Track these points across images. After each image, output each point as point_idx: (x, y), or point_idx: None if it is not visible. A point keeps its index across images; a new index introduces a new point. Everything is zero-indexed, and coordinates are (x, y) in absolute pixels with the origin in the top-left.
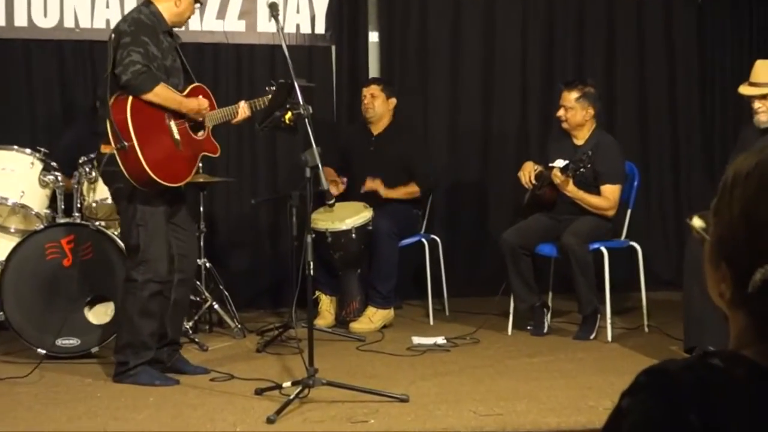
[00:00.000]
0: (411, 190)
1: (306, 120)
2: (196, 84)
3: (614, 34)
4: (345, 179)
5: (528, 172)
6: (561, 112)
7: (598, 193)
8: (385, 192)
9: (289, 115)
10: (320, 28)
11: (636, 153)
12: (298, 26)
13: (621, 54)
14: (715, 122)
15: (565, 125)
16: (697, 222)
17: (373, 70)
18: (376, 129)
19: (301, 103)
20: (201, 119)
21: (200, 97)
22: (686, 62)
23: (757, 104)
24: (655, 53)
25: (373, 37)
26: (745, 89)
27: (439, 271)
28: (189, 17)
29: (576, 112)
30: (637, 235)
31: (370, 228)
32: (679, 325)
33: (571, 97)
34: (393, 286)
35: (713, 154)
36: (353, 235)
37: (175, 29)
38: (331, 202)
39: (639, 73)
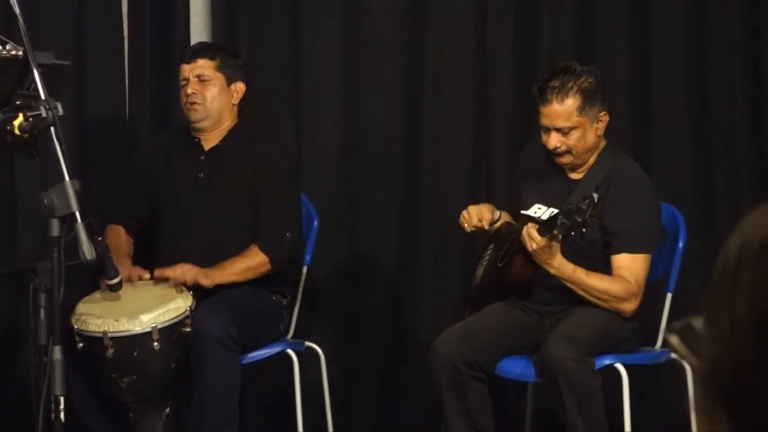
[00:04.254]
0: (252, 262)
1: (53, 129)
2: None
3: None
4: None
5: (477, 213)
6: (555, 141)
7: (605, 266)
8: (207, 277)
9: (19, 119)
10: None
11: (682, 187)
12: None
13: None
14: None
15: (567, 159)
16: (676, 340)
17: (199, 31)
18: (210, 139)
19: (44, 97)
20: None
21: None
22: None
23: None
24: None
25: None
26: None
27: (322, 406)
28: None
29: (584, 131)
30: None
31: (188, 330)
32: None
33: (567, 109)
34: None
35: None
36: (155, 343)
37: None
38: (115, 281)
39: (687, 43)
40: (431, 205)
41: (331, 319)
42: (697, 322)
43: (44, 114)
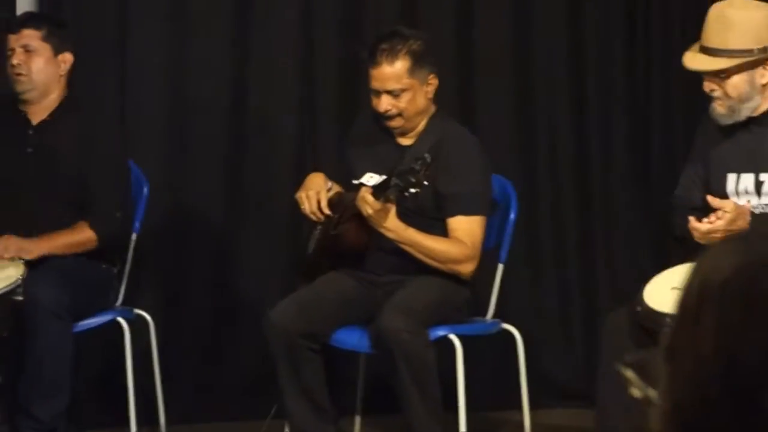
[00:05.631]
0: (79, 238)
1: None
2: None
3: None
4: None
5: (315, 194)
6: (386, 104)
7: (443, 231)
8: (29, 251)
9: None
10: None
11: (510, 161)
12: None
13: None
14: (652, 108)
15: (398, 122)
16: (631, 374)
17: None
18: (39, 113)
19: None
20: None
21: None
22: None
23: (708, 85)
24: None
25: None
26: (692, 60)
27: (152, 376)
28: None
29: (414, 93)
30: (513, 313)
31: (20, 299)
32: None
33: (397, 71)
34: (63, 406)
35: (649, 161)
36: None
37: None
38: None
39: (518, 8)
40: (257, 170)
41: (159, 286)
42: (652, 357)
43: None
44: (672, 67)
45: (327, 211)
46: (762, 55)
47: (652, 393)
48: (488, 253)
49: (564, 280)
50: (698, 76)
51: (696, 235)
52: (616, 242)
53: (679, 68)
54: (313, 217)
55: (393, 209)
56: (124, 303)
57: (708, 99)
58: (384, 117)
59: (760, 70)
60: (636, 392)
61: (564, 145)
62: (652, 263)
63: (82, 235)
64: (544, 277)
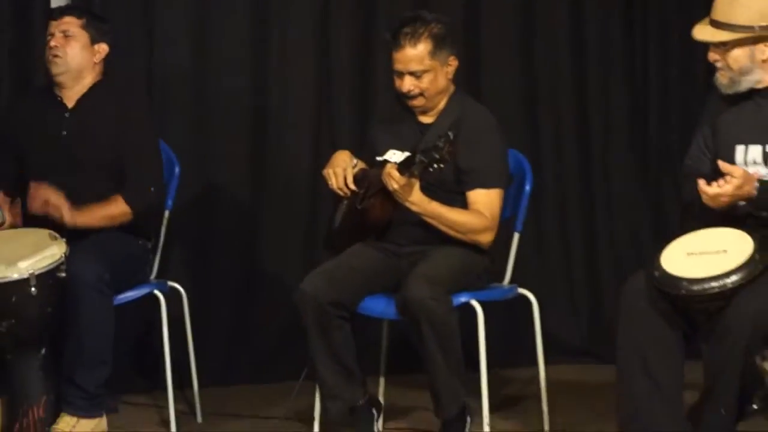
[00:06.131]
0: (114, 211)
1: None
2: None
3: None
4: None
5: (342, 171)
6: (409, 84)
7: (462, 203)
8: (70, 216)
9: None
10: None
11: (523, 138)
12: None
13: None
14: (650, 86)
15: (420, 102)
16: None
17: None
18: (73, 97)
19: None
20: None
21: None
22: None
23: (712, 56)
24: None
25: None
26: (699, 31)
27: (185, 343)
28: None
29: (436, 74)
30: (527, 277)
31: (63, 276)
32: (596, 424)
33: (420, 53)
34: (105, 376)
35: (647, 140)
36: (33, 288)
37: None
38: None
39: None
40: (278, 153)
41: (190, 259)
42: None
43: None
44: (668, 48)
45: (353, 187)
46: (763, 33)
47: None
48: (505, 222)
49: (567, 248)
50: (700, 56)
51: (704, 198)
52: (616, 211)
53: (675, 56)
54: (340, 193)
55: (417, 184)
56: (157, 276)
57: (712, 69)
58: (407, 97)
59: (760, 46)
60: None
61: (565, 122)
62: (651, 232)
63: (117, 209)
64: (549, 245)
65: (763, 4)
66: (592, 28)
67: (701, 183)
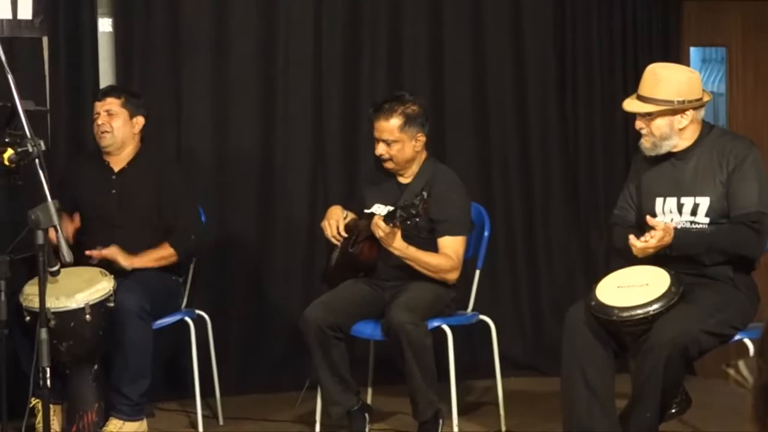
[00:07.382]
0: (164, 254)
1: (37, 161)
2: None
3: (441, 26)
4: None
5: (335, 222)
6: (381, 149)
7: (434, 248)
8: (127, 261)
9: (8, 152)
10: (25, 12)
11: (481, 194)
12: None
13: (450, 51)
14: (580, 152)
15: (389, 165)
16: (743, 369)
17: (106, 75)
18: (118, 162)
19: (29, 135)
20: None
21: None
22: (541, 58)
23: (639, 124)
24: (497, 47)
25: (105, 25)
26: (628, 104)
27: (209, 360)
28: None
29: (403, 145)
30: (485, 306)
31: (112, 305)
32: (543, 424)
33: (391, 126)
34: (146, 387)
35: (578, 195)
36: (87, 316)
37: None
38: (55, 268)
39: (476, 75)
40: (282, 207)
41: (211, 291)
42: (742, 362)
43: (30, 149)
44: (596, 114)
45: (344, 234)
46: (680, 106)
47: (748, 378)
48: (468, 261)
49: (516, 282)
50: (620, 125)
51: (634, 250)
52: (554, 252)
53: (601, 119)
54: (334, 240)
55: (399, 233)
56: (187, 305)
57: (638, 135)
58: (381, 159)
59: (678, 117)
60: (738, 384)
61: (513, 180)
62: (582, 270)
63: (166, 252)
64: (502, 279)
65: (681, 83)
66: (534, 99)
67: (631, 238)
